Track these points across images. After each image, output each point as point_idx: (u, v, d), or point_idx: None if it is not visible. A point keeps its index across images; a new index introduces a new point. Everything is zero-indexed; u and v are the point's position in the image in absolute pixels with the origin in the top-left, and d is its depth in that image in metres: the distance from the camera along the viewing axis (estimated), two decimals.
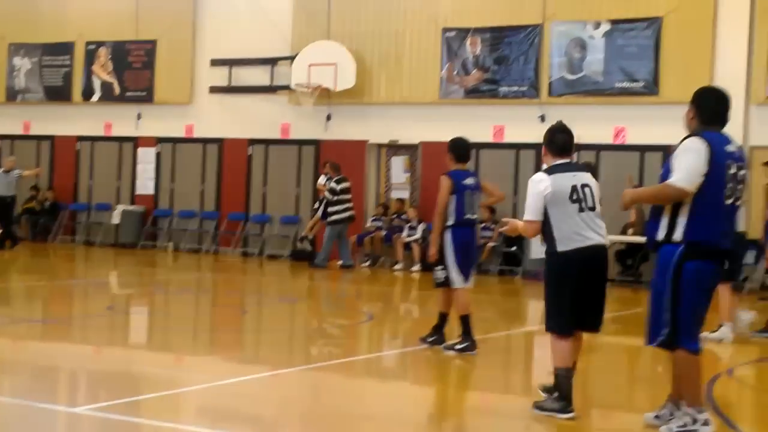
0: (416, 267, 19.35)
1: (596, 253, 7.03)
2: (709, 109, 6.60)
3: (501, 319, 13.37)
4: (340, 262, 19.06)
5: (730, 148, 6.51)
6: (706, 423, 6.33)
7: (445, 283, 9.56)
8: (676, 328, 6.30)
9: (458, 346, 9.50)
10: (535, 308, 13.93)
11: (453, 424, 6.95)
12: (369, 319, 12.85)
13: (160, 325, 11.96)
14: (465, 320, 9.52)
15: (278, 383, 8.17)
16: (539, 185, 7.06)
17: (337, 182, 19.14)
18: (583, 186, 7.07)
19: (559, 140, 7.25)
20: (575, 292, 6.91)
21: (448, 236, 9.48)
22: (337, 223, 19.04)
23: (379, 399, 7.74)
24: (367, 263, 20.02)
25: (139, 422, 6.51)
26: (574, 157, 7.51)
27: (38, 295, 14.21)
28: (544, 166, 7.30)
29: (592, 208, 7.05)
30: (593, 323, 7.12)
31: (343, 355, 10.02)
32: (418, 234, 19.57)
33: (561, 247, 6.95)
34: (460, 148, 9.86)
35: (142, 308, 13.56)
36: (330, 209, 19.13)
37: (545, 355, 10.21)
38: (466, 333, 9.51)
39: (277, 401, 7.47)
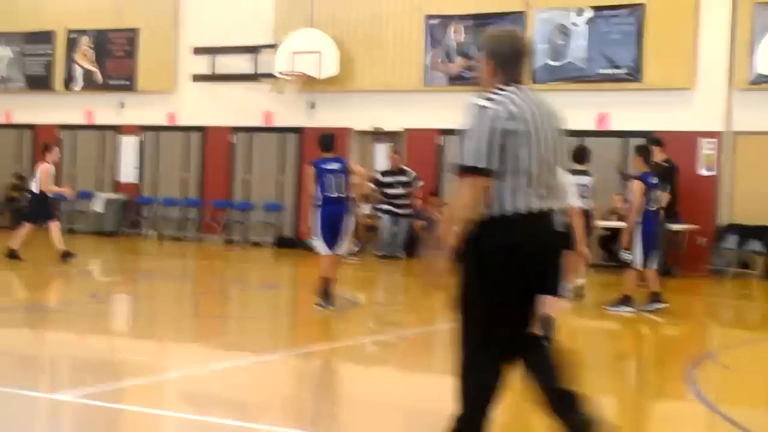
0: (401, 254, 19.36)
1: None
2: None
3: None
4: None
5: None
6: None
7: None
8: None
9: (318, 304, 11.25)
10: None
11: (431, 407, 6.96)
12: (353, 306, 12.85)
13: (144, 313, 11.94)
14: (324, 282, 11.29)
15: (262, 369, 8.17)
16: None
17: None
18: None
19: None
20: None
21: (317, 213, 11.33)
22: None
23: (361, 384, 7.75)
24: (356, 248, 20.03)
25: (122, 409, 6.51)
26: None
27: (22, 283, 14.17)
28: None
29: None
30: None
31: (328, 341, 10.02)
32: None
33: None
34: (323, 140, 11.77)
35: (126, 296, 13.52)
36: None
37: None
38: (324, 292, 11.26)
39: (261, 387, 7.47)
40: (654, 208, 12.24)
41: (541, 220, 4.87)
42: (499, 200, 4.79)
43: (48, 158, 16.00)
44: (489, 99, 4.87)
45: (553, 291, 5.26)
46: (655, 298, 12.10)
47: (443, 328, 11.08)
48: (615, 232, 17.70)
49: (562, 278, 5.42)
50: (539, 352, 4.98)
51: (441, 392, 7.48)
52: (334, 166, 11.50)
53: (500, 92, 4.90)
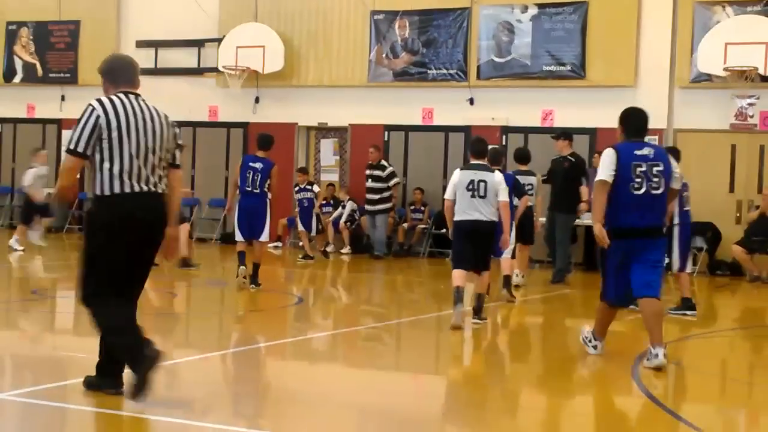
0: (346, 249, 19.36)
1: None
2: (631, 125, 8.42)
3: (431, 301, 13.43)
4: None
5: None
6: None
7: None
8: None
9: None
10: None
11: (379, 404, 6.97)
12: (298, 302, 12.83)
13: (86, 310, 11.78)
14: (241, 266, 12.75)
15: (208, 366, 8.12)
16: None
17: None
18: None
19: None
20: None
21: (235, 202, 12.97)
22: None
23: (307, 381, 7.74)
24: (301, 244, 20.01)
25: (65, 407, 6.42)
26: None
27: None
28: None
29: None
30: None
31: (273, 338, 9.98)
32: (345, 213, 19.56)
33: None
34: (260, 140, 13.13)
35: (69, 292, 13.35)
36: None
37: (471, 334, 10.30)
38: (252, 275, 12.72)
39: (207, 384, 7.42)
40: (688, 209, 11.89)
41: (137, 199, 6.25)
42: (104, 181, 6.25)
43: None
44: (99, 101, 6.36)
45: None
46: (687, 303, 11.85)
47: (392, 325, 11.11)
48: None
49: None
50: (130, 305, 6.50)
51: (390, 388, 7.50)
52: (257, 165, 12.81)
53: (112, 97, 6.41)
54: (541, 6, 18.69)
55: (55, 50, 22.82)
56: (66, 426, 6.12)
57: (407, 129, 19.96)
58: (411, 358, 9.17)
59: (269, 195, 12.93)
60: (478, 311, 10.41)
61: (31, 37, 23.14)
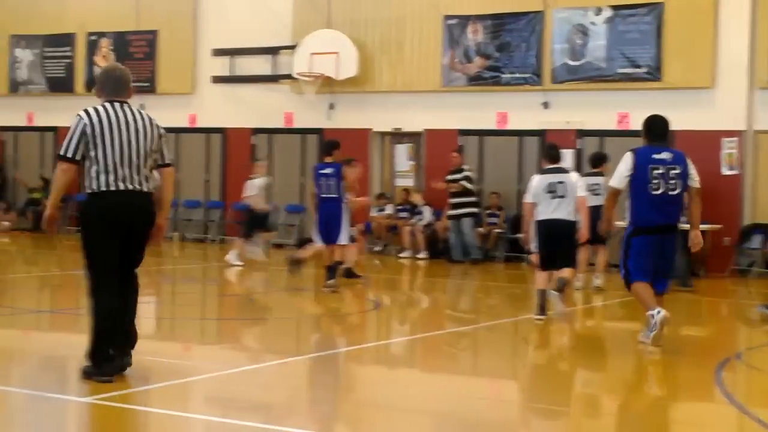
0: (423, 254, 19.38)
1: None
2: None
3: (508, 305, 13.40)
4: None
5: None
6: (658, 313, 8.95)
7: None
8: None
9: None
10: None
11: (461, 411, 6.98)
12: (376, 307, 12.89)
13: (168, 315, 12.00)
14: (326, 268, 13.32)
15: (287, 371, 8.20)
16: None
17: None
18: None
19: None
20: None
21: (317, 210, 13.51)
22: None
23: (385, 386, 7.77)
24: (378, 248, 20.11)
25: (149, 411, 6.55)
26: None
27: (45, 285, 14.25)
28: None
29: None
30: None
31: (350, 343, 10.05)
32: (425, 219, 19.61)
33: None
34: (324, 147, 14.21)
35: (149, 298, 13.58)
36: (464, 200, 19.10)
37: (547, 340, 10.25)
38: (328, 272, 13.28)
39: (287, 389, 7.50)
40: None
41: (118, 196, 6.97)
42: (92, 181, 6.98)
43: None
44: (85, 111, 7.07)
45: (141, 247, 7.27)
46: None
47: (470, 330, 11.11)
48: None
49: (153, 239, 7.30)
50: (128, 293, 7.28)
51: (467, 393, 7.50)
52: (327, 170, 13.36)
53: (98, 106, 7.12)
54: (615, 8, 18.51)
55: (133, 60, 23.20)
56: (148, 430, 6.23)
57: (481, 133, 19.92)
58: (489, 363, 9.16)
59: (346, 197, 13.46)
60: (559, 290, 11.17)
61: (111, 47, 23.57)
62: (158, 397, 6.96)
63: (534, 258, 11.44)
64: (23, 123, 24.68)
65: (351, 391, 7.62)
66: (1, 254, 19.77)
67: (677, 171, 8.97)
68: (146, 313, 12.06)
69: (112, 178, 6.95)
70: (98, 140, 6.96)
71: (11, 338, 9.43)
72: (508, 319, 11.87)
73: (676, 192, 8.97)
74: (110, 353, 7.08)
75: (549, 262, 10.91)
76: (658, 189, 8.92)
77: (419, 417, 6.74)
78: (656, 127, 9.30)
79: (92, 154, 6.95)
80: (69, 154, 6.97)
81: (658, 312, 8.92)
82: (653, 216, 8.98)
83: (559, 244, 10.91)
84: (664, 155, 9.01)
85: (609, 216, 9.46)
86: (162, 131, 7.32)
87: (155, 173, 7.33)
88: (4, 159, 25.08)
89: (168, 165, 7.35)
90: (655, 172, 8.92)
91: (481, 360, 9.49)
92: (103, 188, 6.95)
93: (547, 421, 6.87)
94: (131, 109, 7.23)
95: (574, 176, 11.36)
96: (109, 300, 7.07)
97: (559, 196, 10.87)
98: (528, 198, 11.09)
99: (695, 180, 9.21)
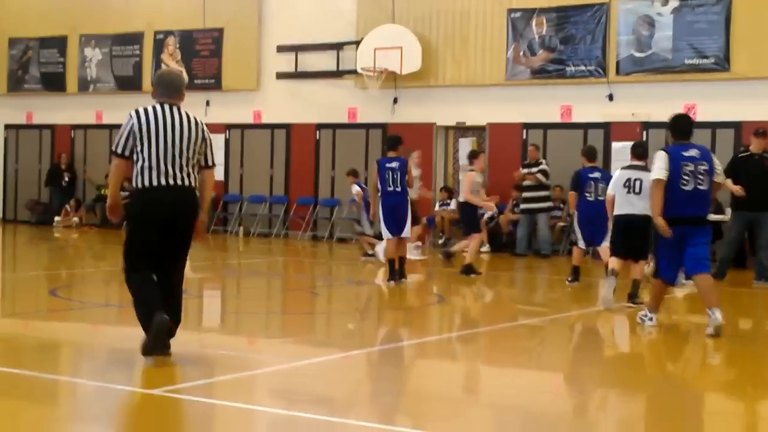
0: (485, 247, 19.33)
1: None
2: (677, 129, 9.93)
3: (571, 299, 13.32)
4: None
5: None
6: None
7: (380, 236, 14.51)
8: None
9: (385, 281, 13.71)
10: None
11: (524, 404, 6.96)
12: (439, 301, 12.89)
13: (233, 309, 12.12)
14: (389, 263, 13.65)
15: (350, 365, 8.24)
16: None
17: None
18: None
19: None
20: None
21: (380, 202, 13.64)
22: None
23: (448, 379, 7.78)
24: (442, 241, 20.13)
25: (214, 403, 6.63)
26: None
27: (113, 280, 14.47)
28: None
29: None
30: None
31: (414, 336, 10.07)
32: (487, 213, 19.55)
33: None
34: (389, 142, 14.03)
35: (215, 292, 13.75)
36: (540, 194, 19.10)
37: (609, 334, 10.16)
38: (391, 271, 13.60)
39: (350, 383, 7.54)
40: None
41: (162, 191, 7.39)
42: (139, 177, 7.43)
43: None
44: (136, 110, 7.49)
45: (184, 245, 7.65)
46: None
47: (534, 324, 11.06)
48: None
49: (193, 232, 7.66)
50: (174, 282, 7.66)
51: (529, 388, 7.48)
52: (393, 164, 13.53)
53: (148, 107, 7.51)
54: None
55: (200, 57, 23.49)
56: (213, 421, 6.32)
57: (545, 127, 19.82)
58: (553, 357, 9.12)
59: (409, 191, 13.73)
60: (633, 296, 11.64)
61: (178, 45, 23.87)
62: (223, 389, 7.05)
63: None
64: (92, 121, 25.09)
65: (414, 384, 7.64)
66: (70, 249, 20.14)
67: (705, 167, 9.59)
68: (212, 307, 12.23)
69: (155, 174, 7.39)
70: (145, 139, 7.40)
71: (81, 332, 9.60)
72: (572, 312, 11.80)
73: (704, 187, 9.59)
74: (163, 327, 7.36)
75: (620, 251, 11.82)
76: (687, 185, 9.54)
77: (482, 410, 6.74)
78: (683, 126, 9.93)
79: (139, 150, 7.42)
80: (119, 151, 7.47)
81: (715, 318, 9.50)
82: (685, 209, 9.57)
83: (631, 237, 11.68)
84: (693, 152, 9.64)
85: (659, 211, 9.67)
86: (207, 135, 7.70)
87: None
88: (74, 157, 25.52)
89: (209, 167, 7.74)
90: (686, 168, 9.55)
91: (545, 354, 9.45)
92: (147, 184, 7.40)
93: (611, 416, 6.82)
94: (180, 111, 7.60)
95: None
96: (142, 279, 7.50)
97: (635, 192, 11.61)
98: (609, 190, 12.05)
99: (720, 175, 10.23)
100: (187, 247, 7.71)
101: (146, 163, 7.40)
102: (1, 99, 26.76)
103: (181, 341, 7.82)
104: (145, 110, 7.50)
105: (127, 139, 7.44)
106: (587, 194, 13.50)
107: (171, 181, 7.41)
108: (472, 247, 15.04)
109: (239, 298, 13.30)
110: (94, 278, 14.77)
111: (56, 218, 24.30)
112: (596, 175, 13.63)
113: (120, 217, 7.73)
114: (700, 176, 9.56)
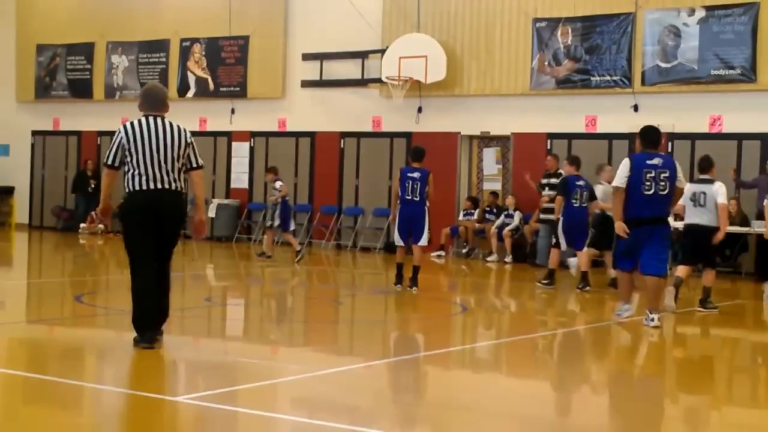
0: (509, 258, 19.31)
1: None
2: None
3: (594, 310, 13.27)
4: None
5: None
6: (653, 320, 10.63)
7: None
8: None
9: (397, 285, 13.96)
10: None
11: (546, 415, 6.94)
12: (463, 311, 12.88)
13: (256, 317, 12.16)
14: (397, 267, 13.92)
15: (373, 374, 8.25)
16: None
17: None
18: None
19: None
20: None
21: (397, 211, 13.83)
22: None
23: (470, 390, 7.77)
24: (465, 251, 20.12)
25: (237, 411, 6.65)
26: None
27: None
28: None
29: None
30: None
31: (436, 347, 10.06)
32: (513, 223, 19.55)
33: None
34: (413, 153, 14.14)
35: (239, 300, 13.79)
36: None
37: (631, 343, 10.12)
38: (398, 275, 13.88)
39: (373, 392, 7.54)
40: None
41: (148, 194, 8.25)
42: (128, 182, 8.32)
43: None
44: (124, 125, 8.39)
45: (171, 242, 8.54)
46: None
47: (556, 335, 11.04)
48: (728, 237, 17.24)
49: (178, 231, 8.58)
50: (161, 274, 8.44)
51: (550, 398, 7.46)
52: (414, 174, 13.72)
53: (134, 121, 8.42)
54: (708, 8, 18.23)
55: (225, 65, 23.60)
56: (236, 429, 6.33)
57: (570, 137, 19.78)
58: (575, 369, 9.09)
59: (428, 203, 13.78)
60: (704, 302, 12.49)
61: (203, 53, 23.99)
62: (247, 397, 7.07)
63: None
64: (118, 127, 25.20)
65: (436, 394, 7.64)
66: (96, 256, 20.24)
67: (666, 174, 10.53)
68: (235, 315, 12.26)
69: (144, 179, 8.26)
70: (133, 149, 8.28)
71: (106, 338, 9.65)
72: (595, 324, 11.75)
73: (664, 192, 10.54)
74: (150, 323, 8.34)
75: (688, 259, 12.72)
76: (649, 189, 10.51)
77: (504, 421, 6.73)
78: (652, 135, 10.80)
79: (128, 160, 8.31)
80: (109, 162, 8.40)
81: (652, 319, 10.64)
82: (643, 211, 10.52)
83: (699, 246, 12.49)
84: (656, 160, 10.58)
85: (620, 216, 10.63)
86: (190, 140, 8.60)
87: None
88: (100, 163, 25.65)
89: (196, 168, 8.60)
90: (648, 175, 10.51)
91: (567, 365, 9.42)
92: (138, 187, 8.28)
93: (633, 429, 6.79)
94: (164, 122, 8.50)
95: (716, 186, 12.45)
96: (144, 282, 8.32)
97: (700, 204, 12.39)
98: (680, 201, 12.20)
99: (682, 182, 10.96)
100: (175, 242, 8.56)
101: (135, 171, 8.28)
102: (28, 105, 26.98)
103: (204, 349, 7.85)
104: (131, 124, 8.38)
105: (116, 151, 8.33)
106: (573, 201, 14.61)
107: (159, 185, 8.27)
108: (585, 259, 14.71)
109: (263, 306, 13.33)
110: (119, 285, 14.82)
111: (82, 225, 24.42)
112: (581, 183, 14.72)
113: (109, 218, 9.02)
114: (661, 182, 10.51)
